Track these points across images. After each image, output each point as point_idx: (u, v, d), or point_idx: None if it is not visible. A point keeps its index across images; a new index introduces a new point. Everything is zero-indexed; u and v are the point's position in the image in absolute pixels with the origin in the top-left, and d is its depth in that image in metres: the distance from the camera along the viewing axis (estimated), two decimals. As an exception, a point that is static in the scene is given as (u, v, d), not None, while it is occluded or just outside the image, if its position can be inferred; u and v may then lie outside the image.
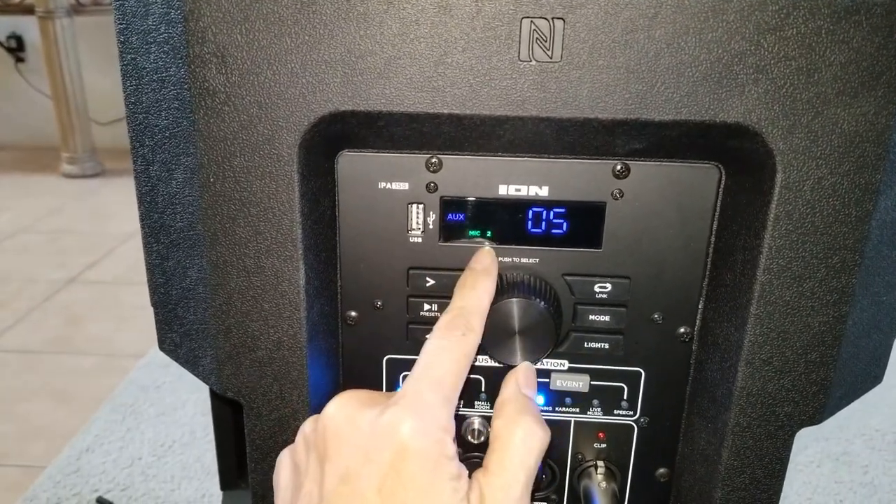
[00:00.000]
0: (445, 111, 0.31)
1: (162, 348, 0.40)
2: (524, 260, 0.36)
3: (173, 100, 0.33)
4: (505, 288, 0.35)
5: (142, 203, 0.36)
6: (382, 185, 0.35)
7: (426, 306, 0.37)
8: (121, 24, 0.34)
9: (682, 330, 0.36)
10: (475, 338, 0.32)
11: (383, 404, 0.30)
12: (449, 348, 0.31)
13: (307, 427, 0.33)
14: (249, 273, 0.34)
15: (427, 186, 0.35)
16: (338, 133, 0.33)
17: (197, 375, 0.39)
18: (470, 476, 0.30)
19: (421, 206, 0.35)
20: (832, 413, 0.35)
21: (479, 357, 0.39)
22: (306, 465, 0.31)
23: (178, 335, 0.38)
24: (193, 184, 0.34)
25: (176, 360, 0.39)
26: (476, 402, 0.39)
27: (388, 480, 0.28)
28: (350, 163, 0.35)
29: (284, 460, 0.34)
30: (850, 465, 0.95)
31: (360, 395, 0.31)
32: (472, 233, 0.36)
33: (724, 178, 0.34)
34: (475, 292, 0.33)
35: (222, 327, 0.36)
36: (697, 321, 0.37)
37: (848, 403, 0.36)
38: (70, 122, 2.81)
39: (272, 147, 0.32)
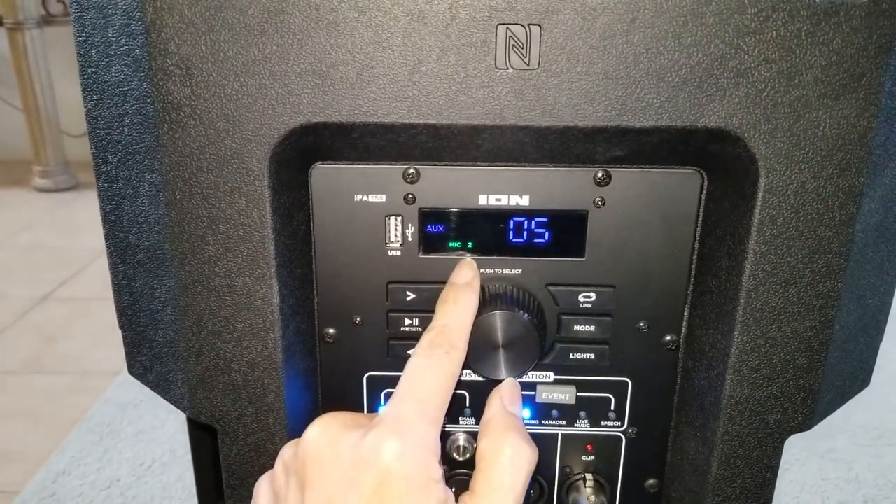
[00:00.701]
0: (421, 121, 0.30)
1: (131, 372, 0.38)
2: (506, 271, 0.35)
3: (136, 114, 0.32)
4: (487, 300, 0.34)
5: (106, 222, 0.35)
6: (358, 197, 0.34)
7: (407, 321, 0.36)
8: (80, 36, 0.33)
9: (668, 338, 0.36)
10: (459, 356, 0.31)
11: (366, 427, 0.29)
12: (432, 367, 0.30)
13: (287, 452, 0.31)
14: (220, 293, 0.33)
15: (405, 198, 0.34)
16: (310, 145, 0.32)
17: (168, 400, 0.37)
18: (456, 498, 0.29)
19: (399, 219, 0.34)
20: (821, 419, 0.35)
21: (463, 371, 0.38)
22: (286, 492, 0.30)
23: (147, 358, 0.37)
24: (159, 201, 0.32)
25: (146, 385, 0.38)
26: (461, 418, 0.38)
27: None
28: (324, 176, 0.34)
29: (263, 487, 0.32)
30: (836, 461, 0.96)
31: (341, 417, 0.30)
32: (452, 244, 0.35)
33: (706, 183, 0.33)
34: (457, 308, 0.32)
35: (193, 349, 0.34)
36: (683, 329, 0.36)
37: (836, 409, 0.35)
38: (42, 134, 2.76)
39: (241, 161, 0.31)
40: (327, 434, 0.29)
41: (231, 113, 0.30)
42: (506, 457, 0.29)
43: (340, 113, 0.30)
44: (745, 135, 0.30)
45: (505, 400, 0.32)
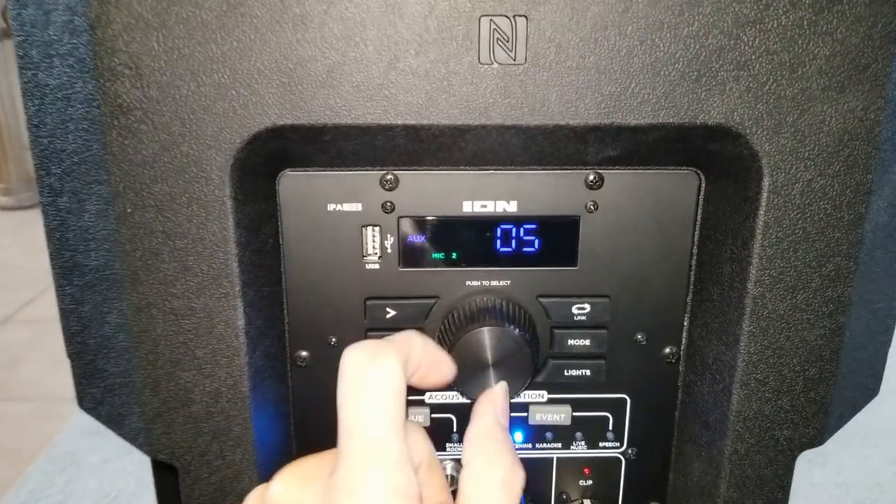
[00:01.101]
0: (399, 122, 0.27)
1: (81, 406, 0.35)
2: (494, 282, 0.32)
3: (82, 120, 0.29)
4: (474, 315, 0.32)
5: (51, 240, 0.31)
6: (332, 207, 0.31)
7: None
8: (19, 36, 0.30)
9: (667, 350, 0.33)
10: (386, 358, 0.25)
11: (328, 471, 0.25)
12: (361, 393, 0.25)
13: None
14: (178, 316, 0.30)
15: (383, 206, 0.31)
16: (277, 151, 0.29)
17: (123, 436, 0.34)
18: None
19: (377, 229, 0.31)
20: (832, 433, 0.33)
21: (450, 394, 0.35)
22: None
23: (99, 390, 0.33)
24: (109, 215, 0.29)
25: (98, 420, 0.34)
26: (448, 444, 0.36)
27: None
28: (294, 184, 0.31)
29: None
30: (824, 465, 0.95)
31: (306, 467, 0.27)
32: (435, 256, 0.33)
33: (704, 184, 0.31)
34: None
35: (149, 380, 0.31)
36: (684, 340, 0.34)
37: (847, 421, 0.33)
38: (3, 150, 2.67)
39: (200, 169, 0.28)
40: (290, 492, 0.26)
41: (187, 116, 0.28)
42: (498, 479, 0.26)
43: (310, 115, 0.27)
44: (747, 131, 0.28)
45: (498, 410, 0.29)
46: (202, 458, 0.32)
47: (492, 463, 0.27)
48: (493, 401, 0.29)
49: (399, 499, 0.24)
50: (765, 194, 0.28)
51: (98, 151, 0.29)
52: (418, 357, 0.27)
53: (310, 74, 0.27)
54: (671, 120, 0.28)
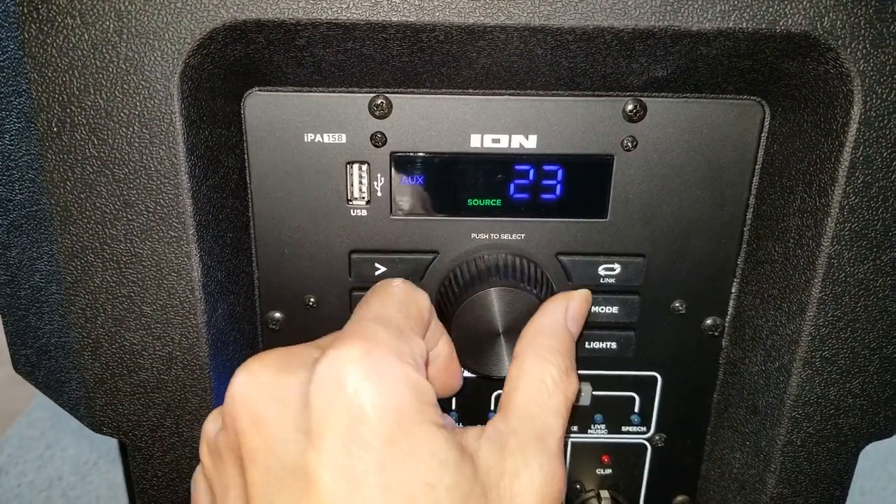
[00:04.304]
0: (395, 18, 0.21)
1: (17, 369, 0.30)
2: (505, 236, 0.27)
3: None
4: (481, 274, 0.26)
5: None
6: (310, 137, 0.26)
7: None
8: None
9: (709, 322, 0.29)
10: (409, 286, 0.24)
11: (312, 358, 0.21)
12: (383, 293, 0.23)
13: (209, 427, 0.23)
14: (120, 263, 0.24)
15: (372, 138, 0.25)
16: (240, 60, 0.23)
17: (63, 406, 0.28)
18: None
19: (364, 167, 0.26)
20: (905, 423, 0.28)
21: (449, 366, 0.30)
22: (222, 485, 0.21)
23: (32, 351, 0.28)
24: (31, 136, 0.23)
25: (35, 386, 0.29)
26: (446, 424, 0.30)
27: (351, 461, 0.18)
28: (263, 106, 0.25)
29: (198, 486, 0.23)
30: None
31: (274, 355, 0.21)
32: (434, 202, 0.27)
33: (769, 117, 0.26)
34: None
35: (88, 340, 0.26)
36: (730, 310, 0.29)
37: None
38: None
39: (141, 77, 0.22)
40: (260, 380, 0.21)
41: (123, 6, 0.21)
42: (551, 380, 0.23)
43: (278, 6, 0.21)
44: (839, 43, 0.22)
45: (570, 313, 0.26)
46: (154, 434, 0.27)
47: (545, 359, 0.24)
48: (568, 301, 0.26)
49: (411, 372, 0.20)
50: (853, 126, 0.23)
51: (14, 52, 0.23)
52: (441, 334, 0.25)
53: None
54: (744, 25, 0.22)
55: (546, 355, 0.24)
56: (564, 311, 0.25)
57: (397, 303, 0.23)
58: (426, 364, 0.23)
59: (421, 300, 0.24)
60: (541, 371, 0.23)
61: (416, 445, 0.19)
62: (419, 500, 0.18)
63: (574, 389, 0.24)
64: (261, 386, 0.20)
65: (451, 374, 0.26)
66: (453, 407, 0.30)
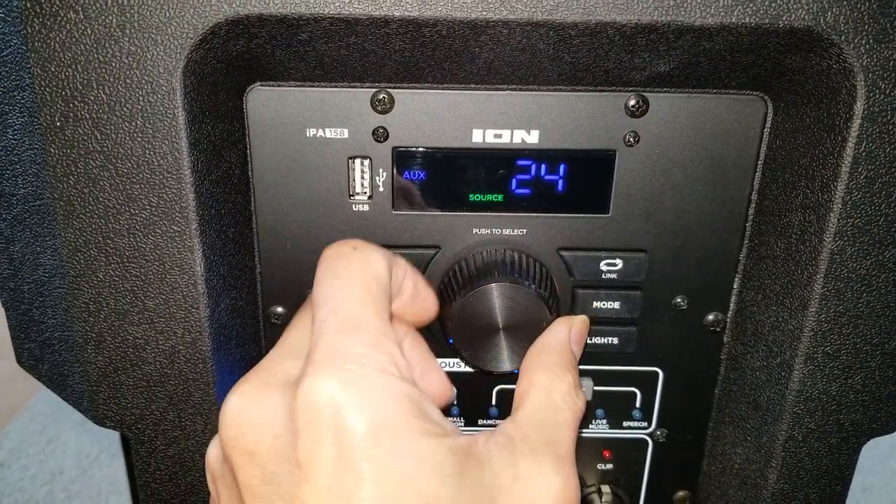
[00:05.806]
0: (397, 13, 0.21)
1: (20, 363, 0.30)
2: (507, 231, 0.27)
3: None
4: (481, 270, 0.26)
5: None
6: (312, 132, 0.26)
7: None
8: None
9: (711, 317, 0.28)
10: (360, 257, 0.23)
11: (292, 377, 0.21)
12: (342, 276, 0.22)
13: (212, 457, 0.23)
14: (123, 257, 0.24)
15: (374, 133, 0.25)
16: (243, 55, 0.23)
17: (66, 400, 0.29)
18: None
19: (367, 162, 0.26)
20: (907, 418, 0.28)
21: (450, 361, 0.30)
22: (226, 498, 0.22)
23: (36, 345, 0.28)
24: (34, 130, 0.23)
25: (39, 380, 0.29)
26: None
27: (345, 490, 0.19)
28: (265, 101, 0.25)
29: None
30: None
31: (262, 374, 0.22)
32: (436, 197, 0.28)
33: (772, 112, 0.26)
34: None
35: (91, 334, 0.26)
36: (732, 305, 0.29)
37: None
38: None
39: (143, 72, 0.22)
40: (248, 403, 0.21)
41: (126, 2, 0.21)
42: (560, 394, 0.24)
43: (282, 0, 0.21)
44: (842, 38, 0.22)
45: (574, 335, 0.26)
46: (157, 428, 0.27)
47: (558, 376, 0.24)
48: (570, 324, 0.26)
49: (380, 375, 0.20)
50: (856, 122, 0.23)
51: (18, 47, 0.23)
52: (403, 275, 0.24)
53: None
54: (746, 20, 0.22)
55: (555, 370, 0.24)
56: (568, 332, 0.26)
57: (359, 288, 0.22)
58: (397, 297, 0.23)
59: (378, 269, 0.22)
60: (550, 385, 0.24)
61: (411, 463, 0.19)
62: None
63: (582, 407, 0.24)
64: (248, 406, 0.21)
65: (422, 299, 0.25)
66: (454, 402, 0.30)
